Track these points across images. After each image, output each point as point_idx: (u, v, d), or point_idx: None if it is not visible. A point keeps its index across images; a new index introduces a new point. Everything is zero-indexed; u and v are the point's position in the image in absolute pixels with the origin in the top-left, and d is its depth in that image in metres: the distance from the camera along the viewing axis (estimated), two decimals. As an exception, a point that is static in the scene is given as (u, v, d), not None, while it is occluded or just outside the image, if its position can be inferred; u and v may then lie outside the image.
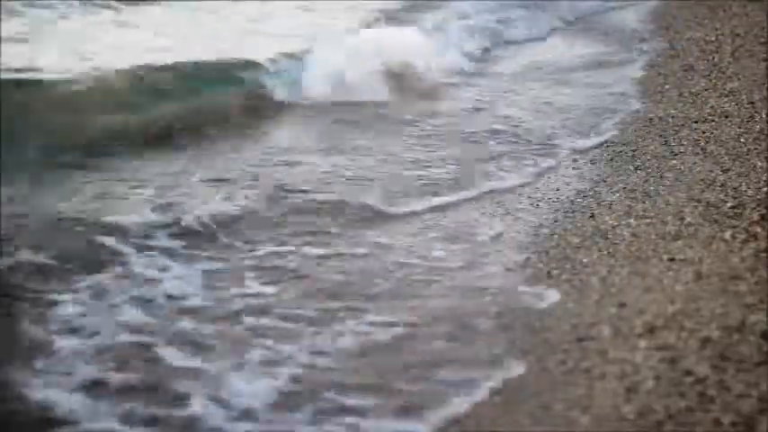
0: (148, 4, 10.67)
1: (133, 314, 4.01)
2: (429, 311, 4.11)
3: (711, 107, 7.20)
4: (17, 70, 7.33)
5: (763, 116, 6.71)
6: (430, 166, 6.19)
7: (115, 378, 3.51)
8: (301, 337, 3.84)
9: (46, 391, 3.39)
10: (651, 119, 7.11)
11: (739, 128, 6.49)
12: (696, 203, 5.04)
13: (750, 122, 6.60)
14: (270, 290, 4.29)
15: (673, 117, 7.07)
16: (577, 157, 6.41)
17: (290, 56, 8.40)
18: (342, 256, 4.71)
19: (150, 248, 4.70)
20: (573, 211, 5.27)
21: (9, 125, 5.99)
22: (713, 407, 3.03)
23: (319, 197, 5.48)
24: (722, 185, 5.29)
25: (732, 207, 4.91)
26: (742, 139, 6.20)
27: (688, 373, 3.25)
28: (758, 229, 4.52)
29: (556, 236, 4.92)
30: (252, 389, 3.41)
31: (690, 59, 9.13)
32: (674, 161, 5.94)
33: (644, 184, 5.54)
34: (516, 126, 7.18)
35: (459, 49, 9.77)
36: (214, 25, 10.09)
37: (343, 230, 5.04)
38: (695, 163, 5.81)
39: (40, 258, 4.43)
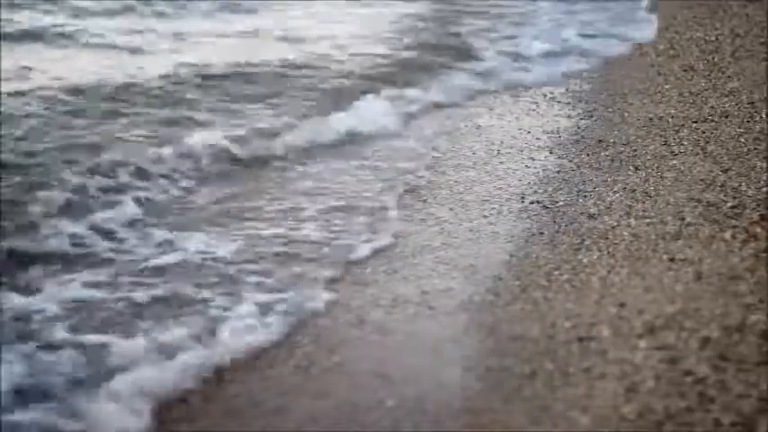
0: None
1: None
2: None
3: (711, 107, 7.20)
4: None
5: (763, 116, 6.72)
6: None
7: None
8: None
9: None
10: (651, 119, 7.11)
11: (739, 128, 6.50)
12: (696, 203, 5.04)
13: (750, 122, 6.60)
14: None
15: (673, 117, 7.07)
16: (578, 156, 6.42)
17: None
18: None
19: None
20: (573, 212, 5.27)
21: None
22: (713, 407, 3.03)
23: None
24: (722, 185, 5.29)
25: (732, 207, 4.91)
26: (742, 139, 6.20)
27: (688, 373, 3.25)
28: (758, 229, 4.52)
29: (556, 236, 4.92)
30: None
31: (690, 59, 9.13)
32: (674, 161, 5.94)
33: (644, 184, 5.54)
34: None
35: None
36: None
37: None
38: (695, 163, 5.81)
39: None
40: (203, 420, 3.32)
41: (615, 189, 5.56)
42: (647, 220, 4.91)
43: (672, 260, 4.32)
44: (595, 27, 12.07)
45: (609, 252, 4.57)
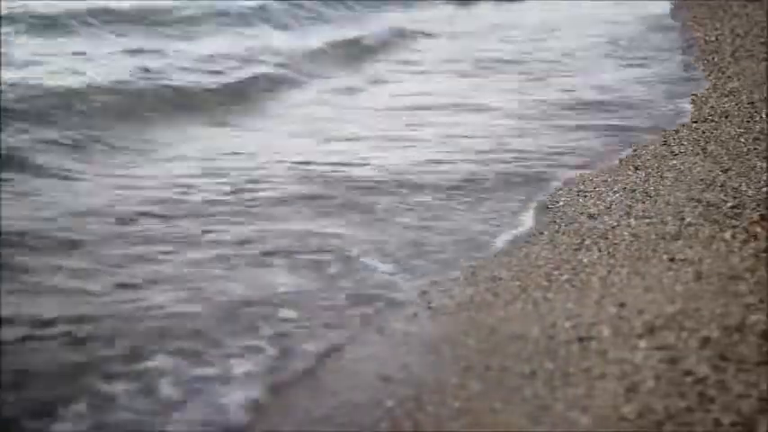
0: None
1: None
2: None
3: (711, 107, 7.21)
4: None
5: (763, 116, 6.72)
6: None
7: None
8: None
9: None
10: (651, 119, 7.12)
11: (739, 128, 6.50)
12: (696, 203, 5.04)
13: (750, 122, 6.60)
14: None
15: (673, 117, 7.08)
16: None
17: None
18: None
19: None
20: (573, 212, 5.27)
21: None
22: (713, 407, 3.03)
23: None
24: (722, 185, 5.29)
25: (732, 207, 4.91)
26: (742, 139, 6.20)
27: (688, 373, 3.25)
28: (758, 229, 4.52)
29: (556, 236, 4.92)
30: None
31: (690, 59, 9.14)
32: (674, 161, 5.94)
33: (644, 184, 5.55)
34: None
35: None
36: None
37: None
38: (695, 163, 5.81)
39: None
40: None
41: (615, 189, 5.56)
42: (647, 220, 4.91)
43: (672, 260, 4.32)
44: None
45: (609, 252, 4.57)
